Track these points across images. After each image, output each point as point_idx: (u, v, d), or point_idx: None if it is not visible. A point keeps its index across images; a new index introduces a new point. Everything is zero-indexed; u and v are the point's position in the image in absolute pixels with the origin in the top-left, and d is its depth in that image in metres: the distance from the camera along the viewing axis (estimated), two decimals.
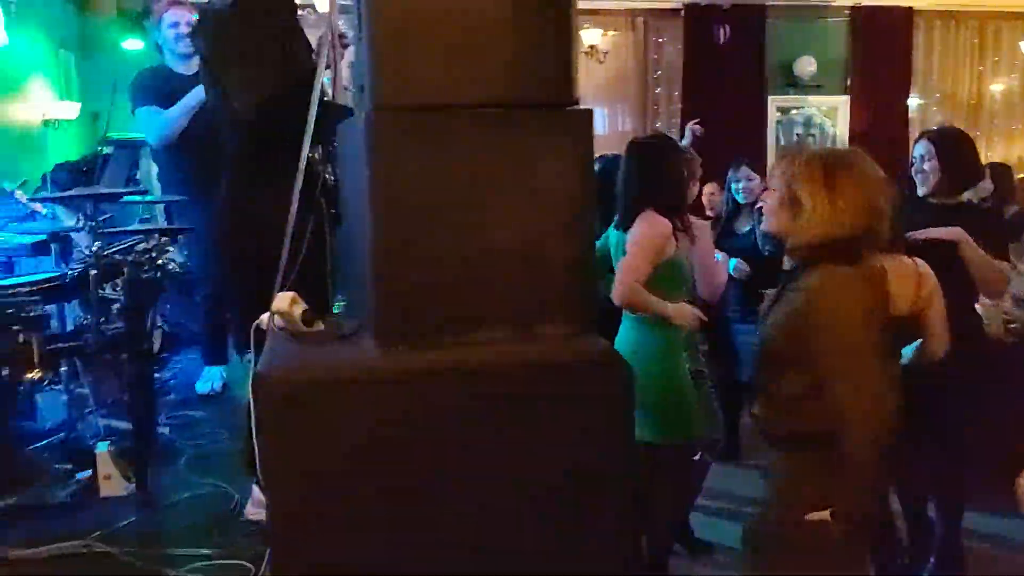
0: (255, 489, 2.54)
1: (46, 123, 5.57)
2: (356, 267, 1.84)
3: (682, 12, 7.36)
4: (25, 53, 5.37)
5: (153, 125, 3.60)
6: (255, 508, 2.54)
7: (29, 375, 2.32)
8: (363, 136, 1.59)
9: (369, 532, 1.56)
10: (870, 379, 1.56)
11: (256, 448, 1.98)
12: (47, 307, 2.44)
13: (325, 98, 2.44)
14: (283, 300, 1.89)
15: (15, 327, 2.30)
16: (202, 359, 4.01)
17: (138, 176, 5.20)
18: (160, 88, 3.67)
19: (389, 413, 1.55)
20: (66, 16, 6.40)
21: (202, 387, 3.87)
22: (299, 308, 1.89)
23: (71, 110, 5.72)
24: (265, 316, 1.89)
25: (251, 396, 2.04)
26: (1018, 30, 7.59)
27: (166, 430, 3.26)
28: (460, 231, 1.60)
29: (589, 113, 1.67)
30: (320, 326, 1.88)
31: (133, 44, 6.33)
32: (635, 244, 2.30)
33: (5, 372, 2.32)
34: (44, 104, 5.56)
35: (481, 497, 1.59)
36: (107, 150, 4.90)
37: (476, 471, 1.58)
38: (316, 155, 2.36)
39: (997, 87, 7.67)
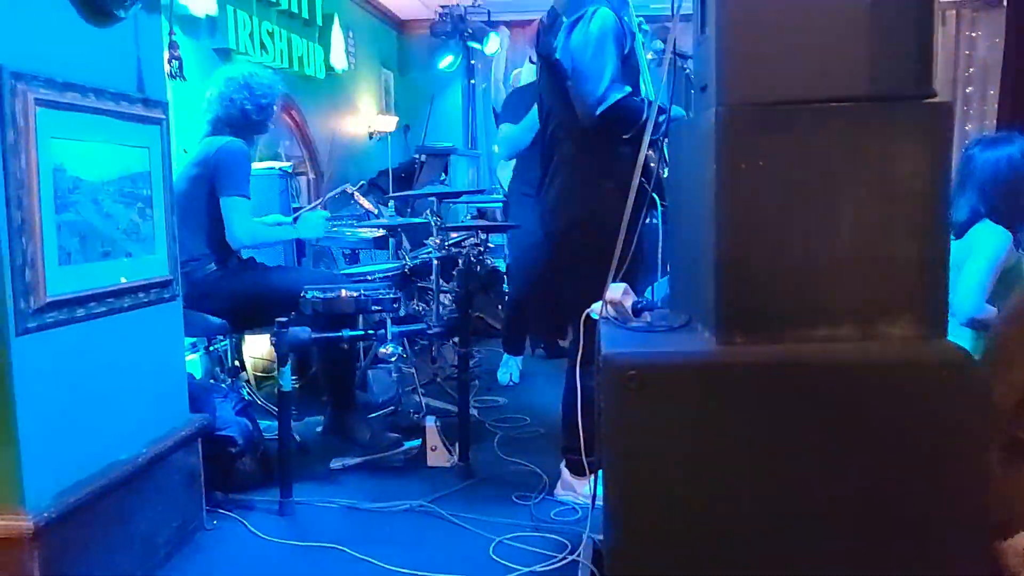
0: (564, 471, 2.70)
1: (370, 135, 6.30)
2: (688, 261, 1.90)
3: (1004, 2, 6.66)
4: (358, 74, 6.11)
5: (505, 141, 3.98)
6: (564, 489, 2.70)
7: (383, 350, 2.65)
8: (708, 133, 1.65)
9: (699, 519, 1.61)
10: None
11: (580, 430, 2.13)
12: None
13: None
14: (616, 290, 2.00)
15: (374, 307, 2.65)
16: (503, 350, 4.31)
17: (446, 181, 5.71)
18: (521, 103, 3.99)
19: (730, 404, 1.59)
20: (388, 39, 7.18)
21: (503, 376, 4.16)
22: (631, 299, 1.99)
23: (390, 123, 6.41)
24: (597, 305, 2.02)
25: (577, 379, 2.19)
26: None
27: (475, 412, 3.53)
28: (806, 227, 1.60)
29: (948, 107, 1.60)
30: (647, 318, 1.97)
31: (445, 62, 6.94)
32: (985, 258, 2.17)
33: (363, 345, 2.68)
34: (369, 118, 6.29)
35: (817, 497, 1.58)
36: (421, 158, 5.43)
37: (815, 470, 1.57)
38: (652, 153, 2.46)
39: None
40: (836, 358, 1.58)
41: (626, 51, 2.45)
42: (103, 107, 1.99)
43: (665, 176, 2.29)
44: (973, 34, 6.91)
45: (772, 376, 1.59)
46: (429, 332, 2.75)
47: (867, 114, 1.58)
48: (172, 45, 2.19)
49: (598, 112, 2.37)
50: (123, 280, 2.08)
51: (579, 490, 2.63)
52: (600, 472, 1.81)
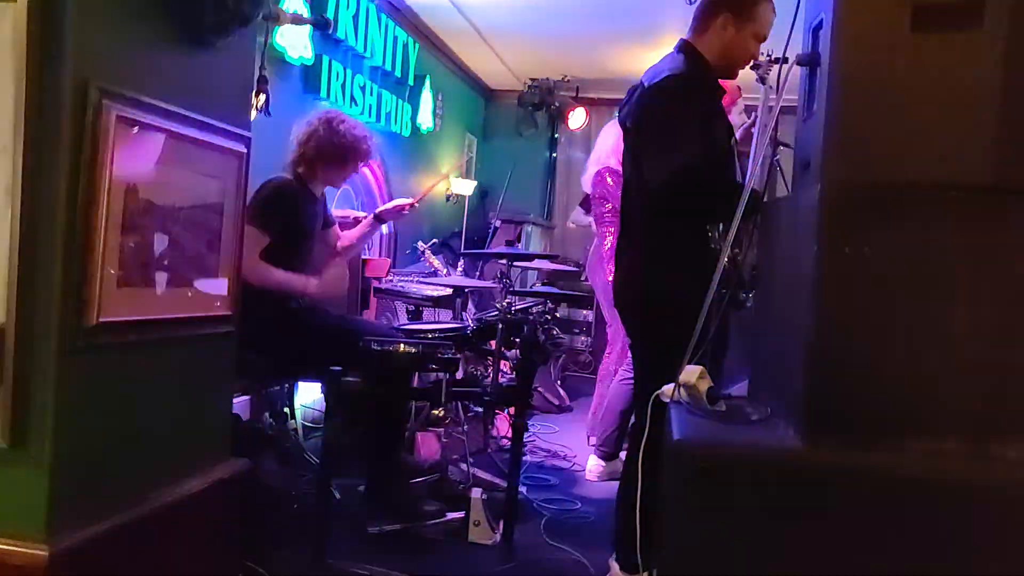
0: (614, 566, 2.50)
1: (447, 197, 6.32)
2: (776, 350, 1.75)
3: None
4: (442, 136, 6.17)
5: None
6: None
7: (435, 412, 2.53)
8: (810, 212, 1.52)
9: None
10: None
11: (637, 523, 1.97)
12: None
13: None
14: (692, 374, 1.85)
15: (432, 365, 2.55)
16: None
17: (519, 248, 5.66)
18: None
19: (809, 510, 1.42)
20: (475, 105, 7.27)
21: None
22: (706, 384, 1.84)
23: (468, 187, 6.43)
24: (667, 387, 1.87)
25: (639, 467, 2.03)
26: None
27: (523, 490, 3.36)
28: (913, 324, 1.44)
29: None
30: (723, 407, 1.81)
31: (527, 131, 6.98)
32: None
33: (412, 405, 2.58)
34: (449, 180, 6.32)
35: None
36: (496, 223, 5.40)
37: None
38: (716, 234, 2.33)
39: None
40: (936, 476, 1.40)
41: (707, 125, 2.34)
42: (185, 133, 1.96)
43: (749, 269, 2.15)
44: None
45: (859, 486, 1.42)
46: (485, 398, 2.62)
47: (991, 205, 1.43)
48: (261, 80, 2.18)
49: (668, 174, 2.21)
50: (182, 309, 2.02)
51: None
52: (655, 571, 1.65)
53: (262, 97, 2.16)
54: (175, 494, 2.05)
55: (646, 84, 2.35)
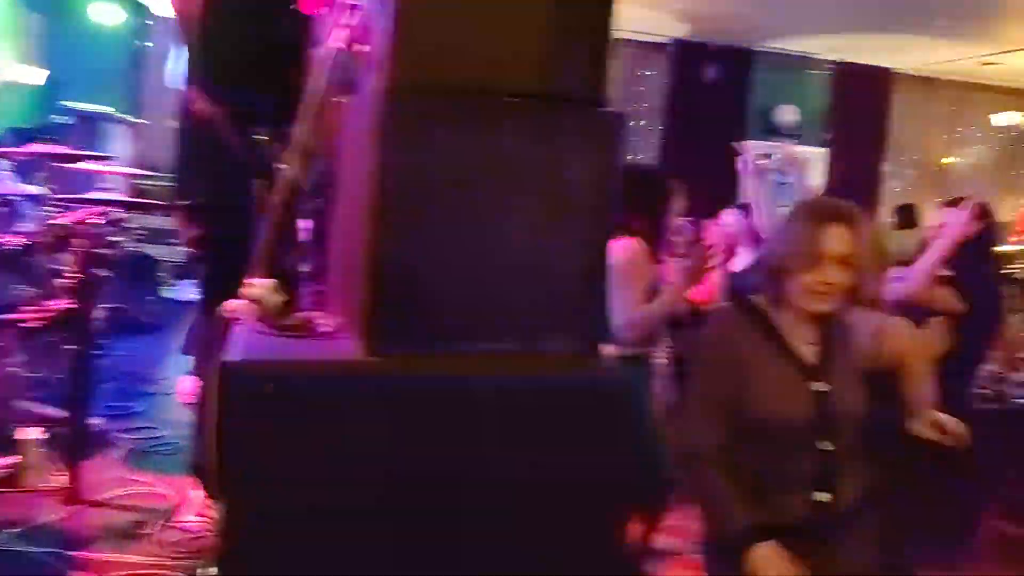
0: (195, 492, 2.33)
1: (5, 86, 5.28)
2: (343, 259, 1.68)
3: (668, 47, 7.37)
4: None
5: None
6: (192, 513, 2.33)
7: None
8: (371, 116, 1.43)
9: (336, 550, 1.38)
10: None
11: (209, 448, 1.81)
12: None
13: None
14: (260, 287, 1.71)
15: None
16: None
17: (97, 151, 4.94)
18: None
19: (374, 423, 1.38)
20: None
21: None
22: (277, 297, 1.71)
23: (35, 75, 5.44)
24: (231, 303, 1.71)
25: (214, 390, 1.86)
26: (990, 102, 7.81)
27: (101, 421, 3.01)
28: (469, 230, 1.44)
29: (621, 117, 1.54)
30: (292, 320, 1.71)
31: (102, 12, 6.05)
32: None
33: None
34: (4, 66, 5.27)
35: (466, 519, 1.42)
36: (68, 120, 4.65)
37: (464, 490, 1.42)
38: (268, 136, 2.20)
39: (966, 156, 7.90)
40: (489, 375, 1.44)
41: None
42: None
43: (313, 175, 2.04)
44: (644, 72, 7.56)
45: (421, 392, 1.41)
46: (28, 326, 2.22)
47: (539, 114, 1.46)
48: None
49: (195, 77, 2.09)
50: None
51: (209, 515, 2.28)
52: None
53: None
54: None
55: None
